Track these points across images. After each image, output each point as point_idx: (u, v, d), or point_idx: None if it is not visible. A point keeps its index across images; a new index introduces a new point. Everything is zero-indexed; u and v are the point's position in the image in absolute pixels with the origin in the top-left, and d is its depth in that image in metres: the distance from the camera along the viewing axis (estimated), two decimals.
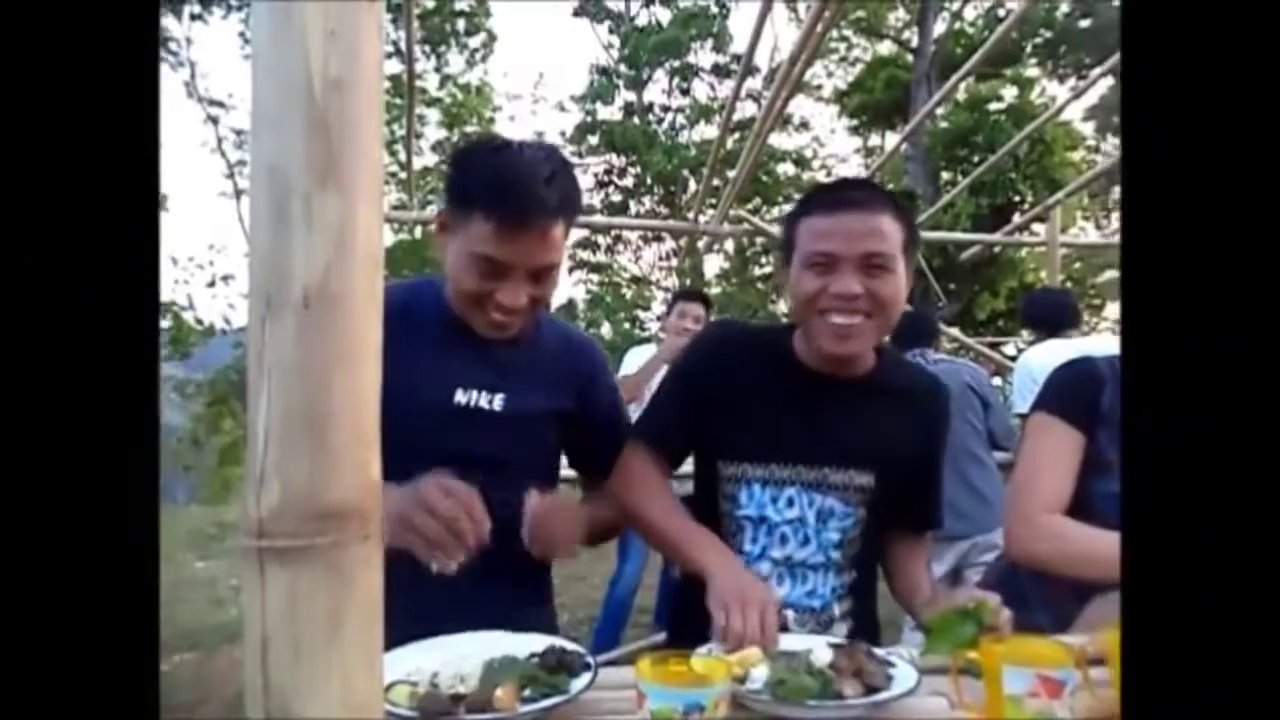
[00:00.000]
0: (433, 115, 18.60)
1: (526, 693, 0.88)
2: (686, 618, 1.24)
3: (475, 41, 17.90)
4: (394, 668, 0.91)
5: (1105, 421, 1.26)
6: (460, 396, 1.21)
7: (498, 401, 1.23)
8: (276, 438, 0.53)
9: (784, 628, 1.18)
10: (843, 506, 1.24)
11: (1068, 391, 1.32)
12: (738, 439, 1.26)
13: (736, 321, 1.66)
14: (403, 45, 4.06)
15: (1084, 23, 15.10)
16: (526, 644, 0.98)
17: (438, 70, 18.02)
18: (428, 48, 16.75)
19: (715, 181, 6.63)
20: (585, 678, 0.91)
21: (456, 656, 0.95)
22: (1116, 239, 8.65)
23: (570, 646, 0.98)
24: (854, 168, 18.47)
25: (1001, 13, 14.18)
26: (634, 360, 3.79)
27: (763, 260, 15.42)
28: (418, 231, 13.44)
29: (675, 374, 1.37)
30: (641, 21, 17.94)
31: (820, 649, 0.97)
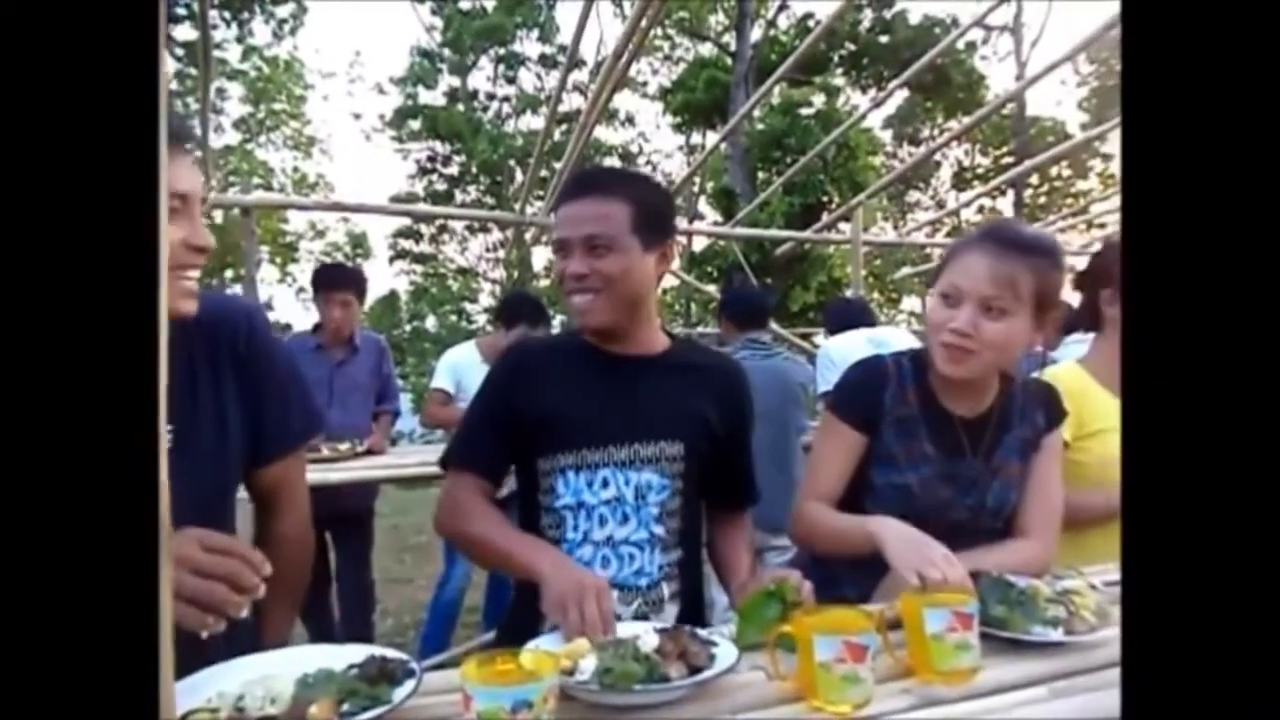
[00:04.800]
0: (235, 90, 17.15)
1: (345, 707, 0.83)
2: (519, 619, 1.24)
3: (283, 11, 16.65)
4: (192, 695, 0.83)
5: (888, 418, 1.36)
6: None
7: None
8: None
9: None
10: (658, 479, 1.28)
11: (850, 392, 1.40)
12: (547, 434, 1.29)
13: (532, 337, 1.76)
14: (196, 8, 3.70)
15: (883, 38, 16.44)
16: (344, 655, 0.93)
17: (240, 40, 16.60)
18: (227, 14, 15.37)
19: (543, 173, 6.59)
20: (409, 685, 0.87)
21: (265, 676, 0.88)
22: (912, 238, 9.51)
23: (392, 654, 0.94)
24: (678, 165, 19.08)
25: (812, 24, 15.14)
26: (451, 364, 3.60)
27: None
28: (217, 216, 12.35)
29: (481, 395, 1.38)
30: (465, 4, 17.46)
31: (647, 635, 0.99)
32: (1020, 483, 1.36)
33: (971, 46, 17.19)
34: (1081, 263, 1.70)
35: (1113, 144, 18.96)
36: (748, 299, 3.57)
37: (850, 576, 1.34)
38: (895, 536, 1.17)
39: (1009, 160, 17.90)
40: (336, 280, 3.28)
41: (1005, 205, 18.83)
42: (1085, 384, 1.56)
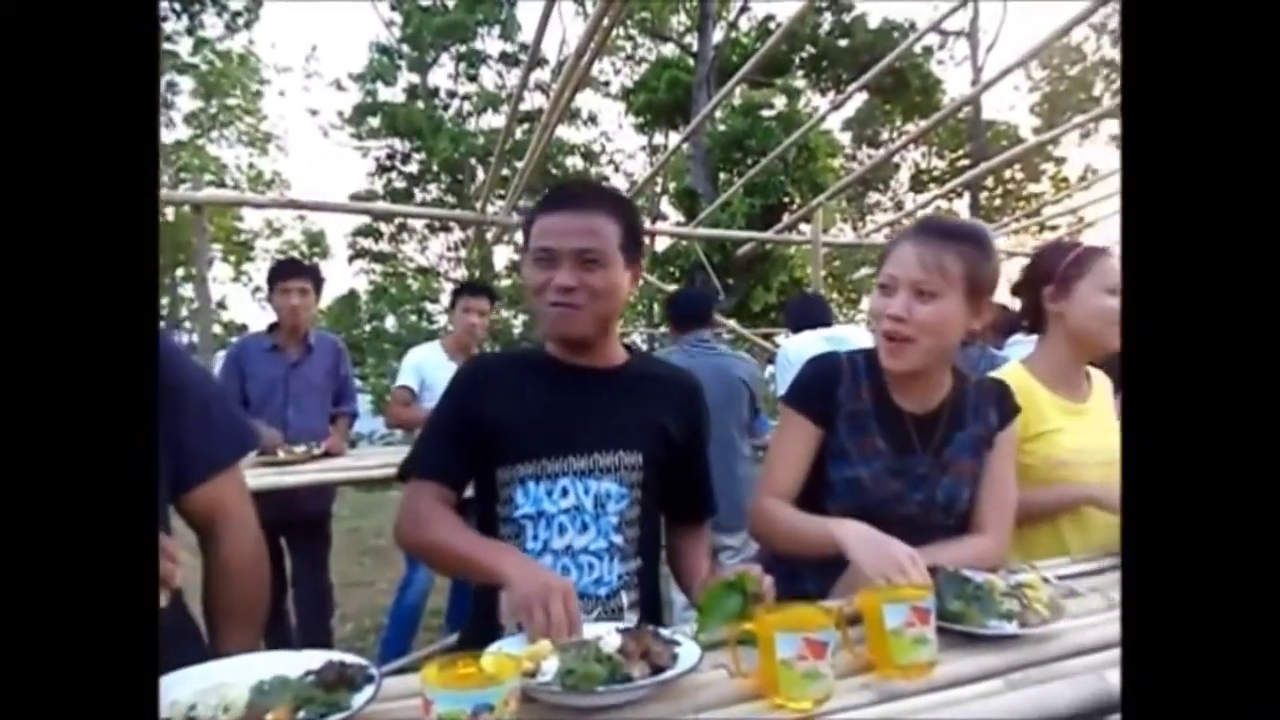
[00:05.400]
0: (186, 84, 16.72)
1: (301, 715, 0.81)
2: (481, 624, 1.23)
3: (236, 4, 16.25)
4: None
5: (841, 413, 1.38)
6: None
7: None
8: None
9: None
10: (617, 488, 1.29)
11: (806, 387, 1.43)
12: (507, 444, 1.29)
13: (487, 354, 1.80)
14: None
15: (843, 42, 16.62)
16: (300, 662, 0.91)
17: (190, 33, 16.16)
18: (177, 5, 14.96)
19: (504, 172, 6.55)
20: (368, 691, 0.86)
21: (219, 684, 0.86)
22: (871, 239, 9.64)
23: (350, 659, 0.92)
24: (640, 165, 19.09)
25: (773, 26, 15.26)
26: (415, 363, 3.57)
27: None
28: (169, 212, 12.04)
29: (440, 406, 1.38)
30: (425, 1, 17.25)
31: (609, 636, 0.98)
32: (973, 480, 1.39)
33: (929, 51, 17.48)
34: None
35: (1064, 148, 19.46)
36: (688, 300, 3.65)
37: (813, 573, 1.36)
38: (858, 539, 1.19)
39: (965, 163, 18.25)
40: (291, 270, 3.25)
41: (962, 207, 19.20)
42: (1029, 385, 1.58)
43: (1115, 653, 1.01)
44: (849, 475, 1.36)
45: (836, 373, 1.41)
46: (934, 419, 1.39)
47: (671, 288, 9.72)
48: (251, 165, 18.62)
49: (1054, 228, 11.66)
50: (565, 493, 1.27)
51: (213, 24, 16.38)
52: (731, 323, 7.33)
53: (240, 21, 16.60)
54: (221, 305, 16.84)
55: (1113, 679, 0.91)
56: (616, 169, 19.31)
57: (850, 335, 3.56)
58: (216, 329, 12.91)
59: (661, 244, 12.99)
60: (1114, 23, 19.16)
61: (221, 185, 16.83)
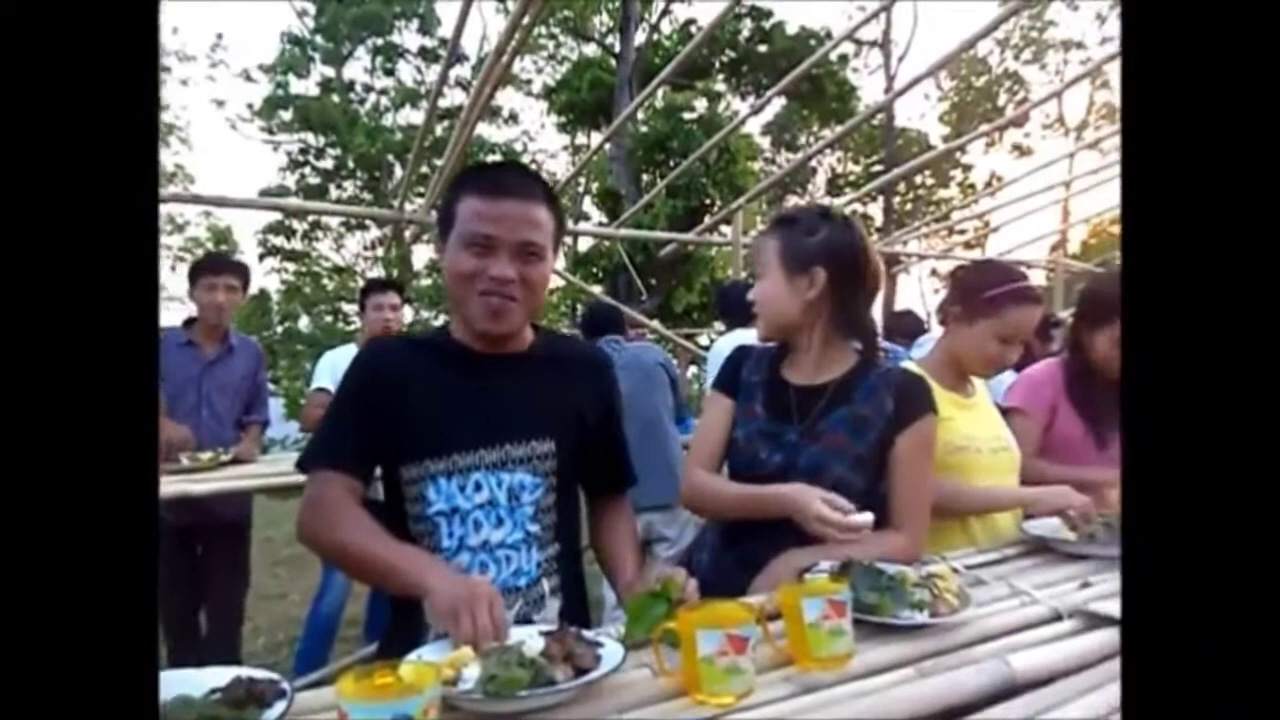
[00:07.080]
0: None
1: None
2: (400, 635, 1.18)
3: None
4: None
5: (743, 385, 1.53)
6: None
7: None
8: None
9: None
10: (531, 478, 1.27)
11: (724, 369, 1.58)
12: (413, 439, 1.24)
13: (390, 336, 1.78)
14: None
15: (762, 47, 16.94)
16: (205, 679, 0.87)
17: None
18: None
19: (423, 169, 6.41)
20: (279, 707, 0.82)
21: None
22: None
23: (260, 675, 0.89)
24: (563, 164, 19.02)
25: (694, 30, 15.43)
26: (331, 364, 3.48)
27: None
28: None
29: (340, 394, 1.32)
30: None
31: (532, 639, 0.97)
32: (854, 459, 1.41)
33: (844, 59, 17.99)
34: (944, 265, 1.85)
35: (971, 155, 20.33)
36: (600, 312, 3.92)
37: (712, 564, 1.47)
38: (794, 494, 1.34)
39: (879, 168, 18.87)
40: (220, 266, 3.11)
41: (875, 210, 19.84)
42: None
43: (1018, 637, 1.07)
44: (734, 436, 1.50)
45: (746, 355, 1.58)
46: (817, 393, 1.46)
47: (595, 288, 9.71)
48: None
49: (962, 231, 12.19)
50: (479, 487, 1.24)
51: None
52: (654, 323, 7.37)
53: None
54: None
55: (1016, 663, 0.96)
56: (539, 168, 19.18)
57: None
58: None
59: (584, 244, 12.98)
60: (1016, 38, 20.17)
61: None
